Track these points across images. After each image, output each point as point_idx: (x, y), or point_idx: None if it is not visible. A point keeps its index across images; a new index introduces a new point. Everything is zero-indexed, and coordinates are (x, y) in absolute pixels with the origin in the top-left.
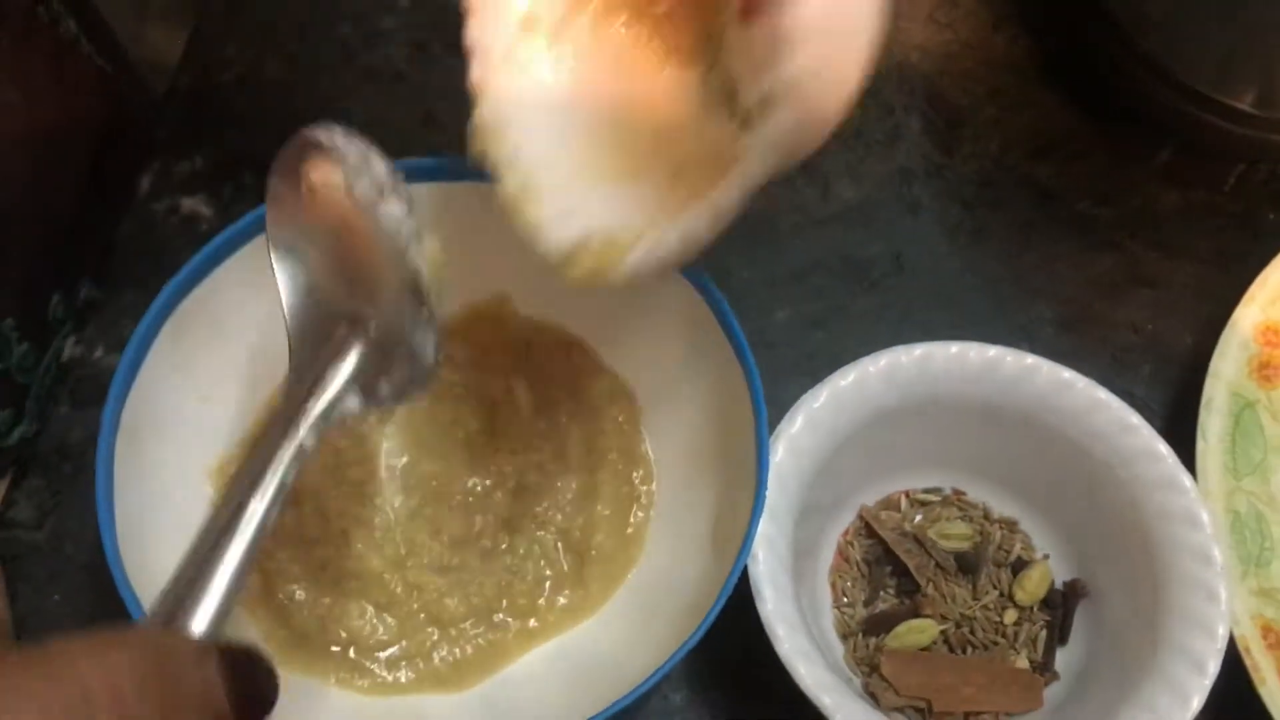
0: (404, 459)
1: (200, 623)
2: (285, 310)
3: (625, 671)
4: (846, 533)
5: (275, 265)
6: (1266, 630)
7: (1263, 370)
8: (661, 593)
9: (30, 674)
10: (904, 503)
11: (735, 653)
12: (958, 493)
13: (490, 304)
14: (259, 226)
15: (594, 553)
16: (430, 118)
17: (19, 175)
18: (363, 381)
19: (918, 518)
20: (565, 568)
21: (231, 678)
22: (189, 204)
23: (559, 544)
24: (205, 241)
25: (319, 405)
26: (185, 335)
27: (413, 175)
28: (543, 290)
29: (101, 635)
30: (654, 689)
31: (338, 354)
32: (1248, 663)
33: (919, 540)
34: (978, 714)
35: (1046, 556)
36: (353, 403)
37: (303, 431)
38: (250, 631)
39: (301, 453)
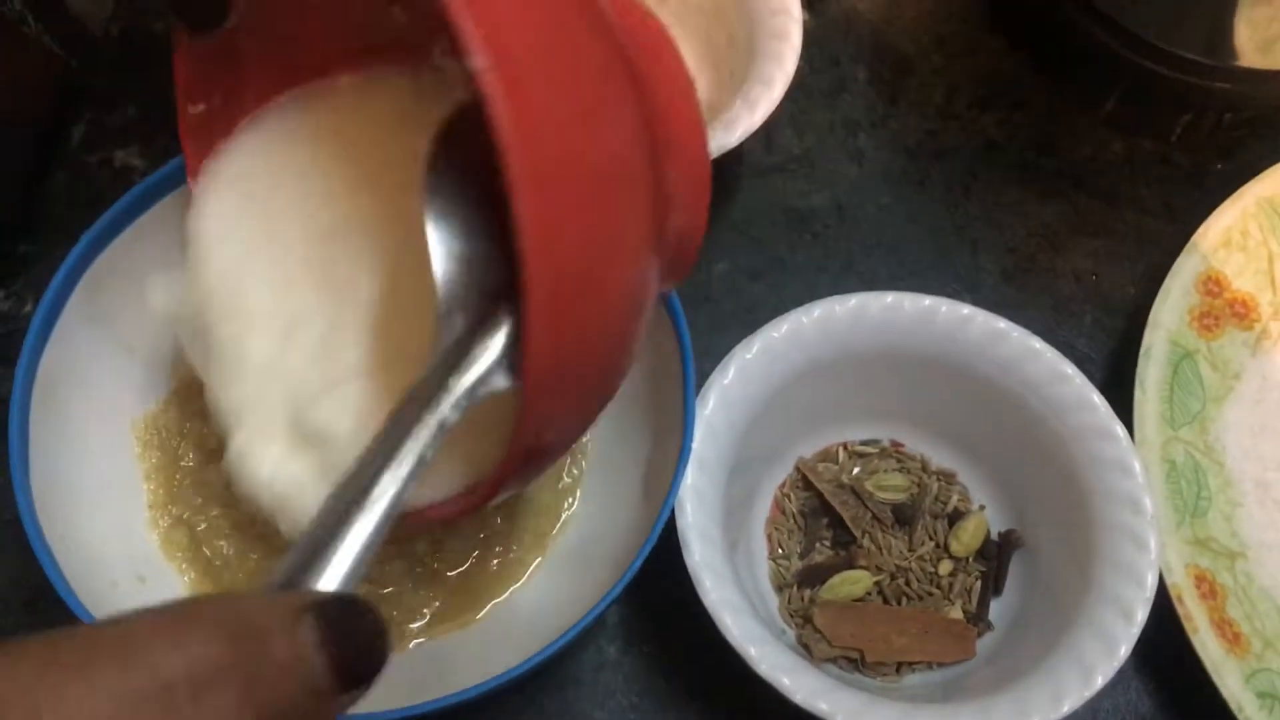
0: None
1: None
2: (437, 277)
3: (559, 624)
4: (783, 485)
5: (431, 231)
6: (1200, 580)
7: (1203, 320)
8: (595, 546)
9: (102, 659)
10: (842, 454)
11: (669, 605)
12: (896, 444)
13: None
14: (185, 174)
15: (527, 507)
16: None
17: None
18: (512, 357)
19: (855, 469)
20: (498, 522)
21: (329, 640)
22: (122, 155)
23: None
24: None
25: (466, 381)
26: (107, 286)
27: None
28: None
29: (178, 612)
30: (589, 641)
31: (489, 329)
32: (1180, 611)
33: (856, 492)
34: (910, 664)
35: (983, 508)
36: (501, 380)
37: (446, 407)
38: (177, 588)
39: (443, 428)
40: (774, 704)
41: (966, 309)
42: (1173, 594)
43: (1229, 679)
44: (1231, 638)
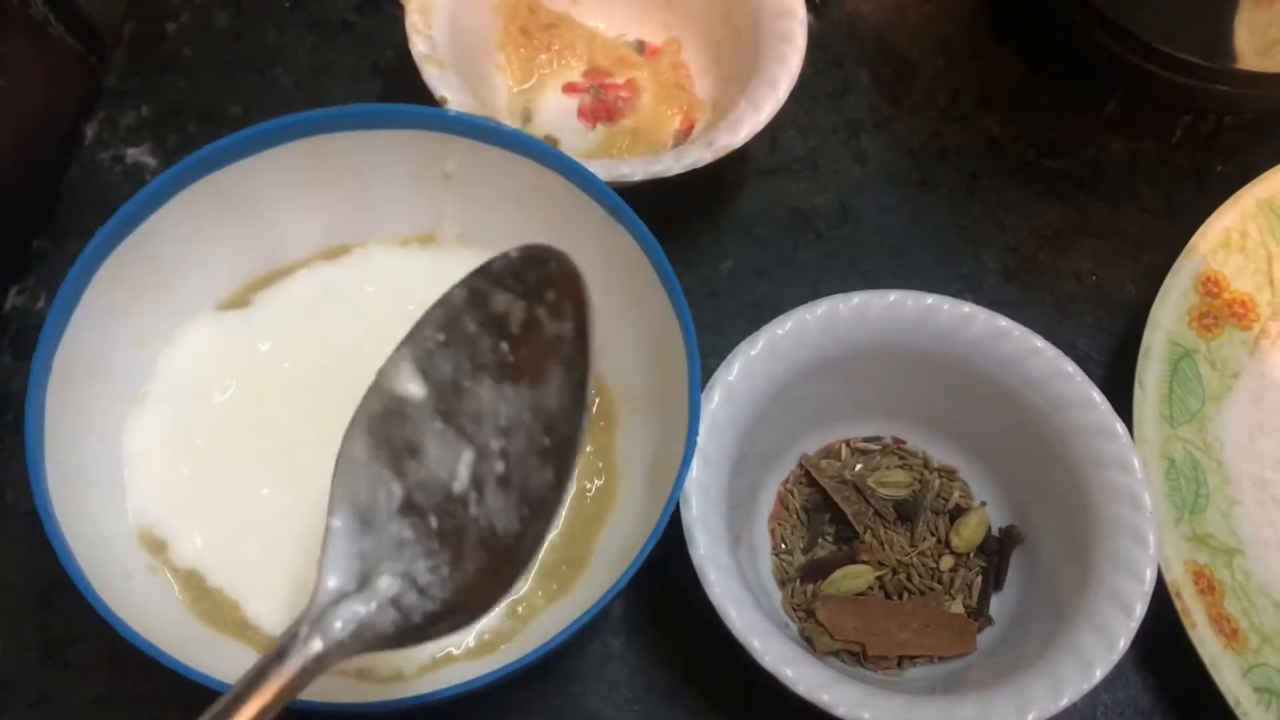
0: None
1: None
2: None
3: (564, 617)
4: (786, 481)
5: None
6: (1198, 575)
7: (1202, 320)
8: (601, 538)
9: None
10: (844, 451)
11: (673, 599)
12: (898, 441)
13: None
14: (197, 170)
15: None
16: (376, 67)
17: (6, 156)
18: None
19: (858, 466)
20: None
21: None
22: (134, 154)
23: None
24: None
25: (346, 627)
26: (122, 280)
27: (357, 122)
28: (476, 228)
29: None
30: (594, 635)
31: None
32: (1178, 606)
33: (858, 488)
34: (912, 658)
35: (984, 504)
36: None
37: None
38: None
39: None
40: (777, 696)
41: (968, 307)
42: (1171, 590)
43: (1227, 674)
44: (1229, 633)
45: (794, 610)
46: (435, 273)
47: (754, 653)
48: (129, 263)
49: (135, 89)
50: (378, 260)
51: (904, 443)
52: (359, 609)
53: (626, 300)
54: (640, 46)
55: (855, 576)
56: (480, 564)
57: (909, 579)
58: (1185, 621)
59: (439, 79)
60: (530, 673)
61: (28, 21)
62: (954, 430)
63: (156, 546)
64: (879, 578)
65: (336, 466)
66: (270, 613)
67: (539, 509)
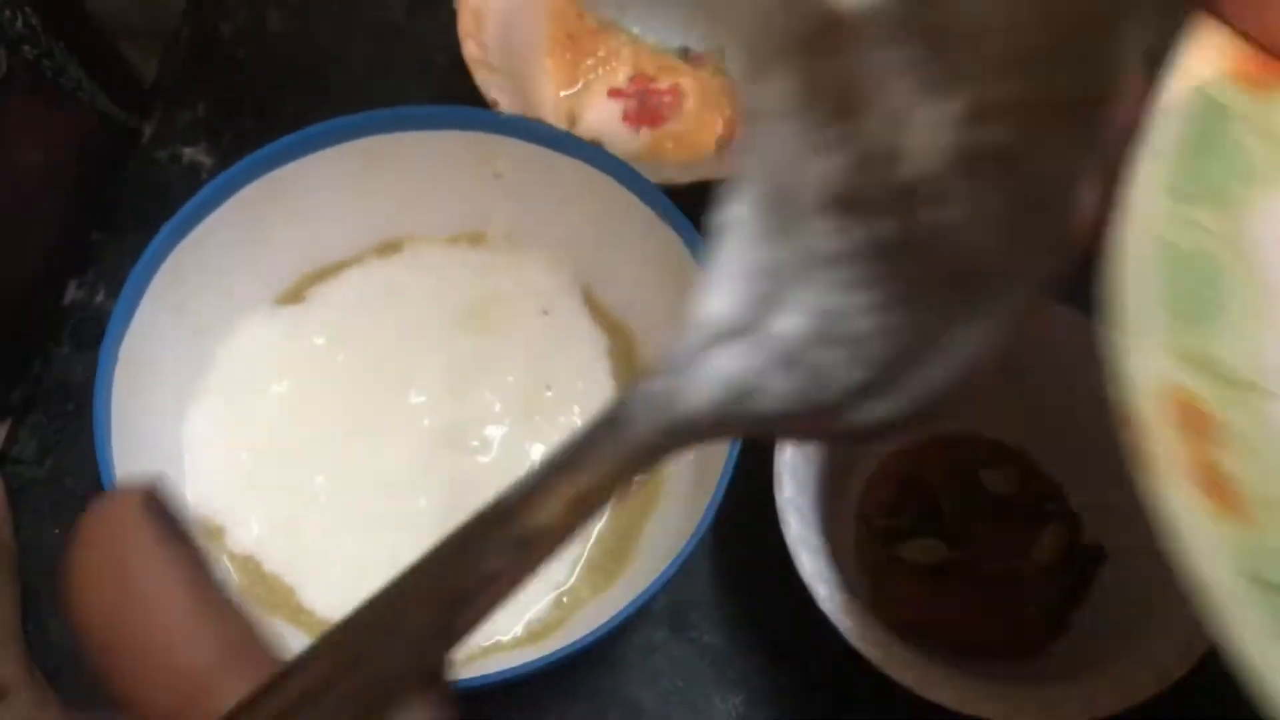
0: None
1: None
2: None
3: (608, 609)
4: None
5: None
6: (1183, 406)
7: (1249, 69)
8: (646, 531)
9: None
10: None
11: (716, 592)
12: (996, 441)
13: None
14: (255, 170)
15: None
16: (426, 71)
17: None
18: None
19: (954, 458)
20: None
21: None
22: (190, 153)
23: None
24: None
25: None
26: (182, 276)
27: (412, 124)
28: (524, 228)
29: None
30: (639, 626)
31: None
32: (1130, 440)
33: (957, 474)
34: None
35: (1077, 514)
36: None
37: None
38: None
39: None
40: (815, 691)
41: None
42: (1127, 418)
43: (1201, 545)
44: (1218, 495)
45: (863, 574)
46: (483, 271)
47: (820, 600)
48: (189, 259)
49: (191, 89)
50: (428, 258)
51: (1003, 442)
52: (749, 360)
53: (674, 301)
54: (685, 53)
55: (930, 551)
56: (946, 315)
57: (988, 580)
58: (1139, 463)
59: (490, 82)
60: (574, 660)
61: (59, 91)
62: (1055, 437)
63: (214, 532)
64: (955, 562)
65: (747, 118)
66: (324, 599)
67: (1053, 229)
